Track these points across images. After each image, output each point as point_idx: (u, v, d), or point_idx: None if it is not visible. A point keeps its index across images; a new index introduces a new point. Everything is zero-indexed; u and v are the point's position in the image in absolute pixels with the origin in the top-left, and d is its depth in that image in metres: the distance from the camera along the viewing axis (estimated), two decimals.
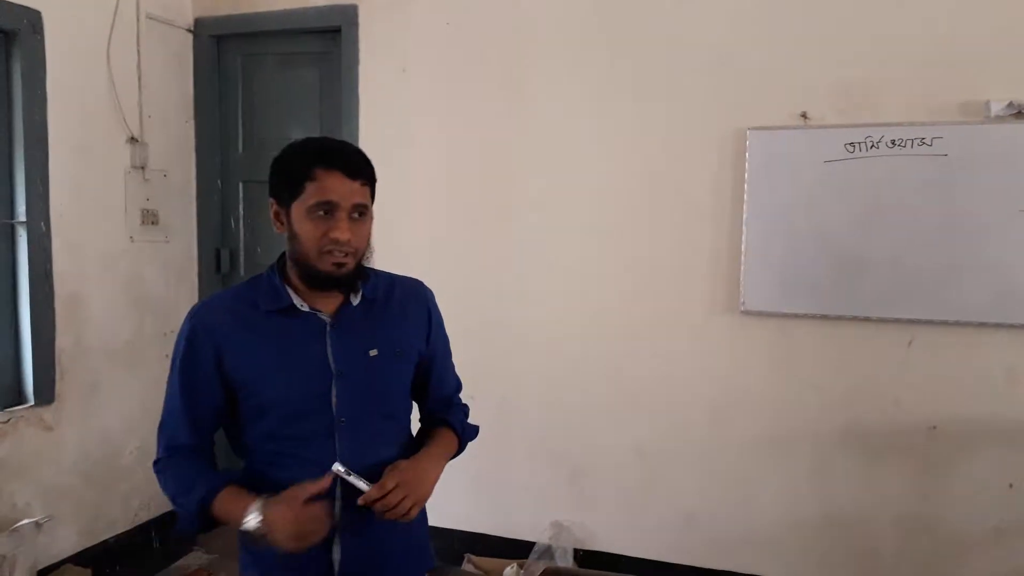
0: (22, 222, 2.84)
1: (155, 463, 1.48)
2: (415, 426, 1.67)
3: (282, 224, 1.45)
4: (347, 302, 1.50)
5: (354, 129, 3.36)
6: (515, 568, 2.99)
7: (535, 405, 3.19)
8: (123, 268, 3.27)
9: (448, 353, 1.72)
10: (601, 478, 3.13)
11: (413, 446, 1.58)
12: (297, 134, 3.49)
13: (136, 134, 3.28)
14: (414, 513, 1.40)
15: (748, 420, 2.95)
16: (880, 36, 2.72)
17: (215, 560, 3.56)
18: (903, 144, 2.69)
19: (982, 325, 2.66)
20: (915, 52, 2.69)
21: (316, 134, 3.45)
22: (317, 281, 1.43)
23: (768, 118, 2.83)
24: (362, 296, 1.51)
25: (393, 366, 1.54)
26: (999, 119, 2.60)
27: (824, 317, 2.82)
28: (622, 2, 3.00)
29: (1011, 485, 2.69)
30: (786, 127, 2.82)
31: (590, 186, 3.09)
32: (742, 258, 2.88)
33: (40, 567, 2.85)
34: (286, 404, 1.43)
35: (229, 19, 3.54)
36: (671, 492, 3.05)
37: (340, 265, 1.40)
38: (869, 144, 2.72)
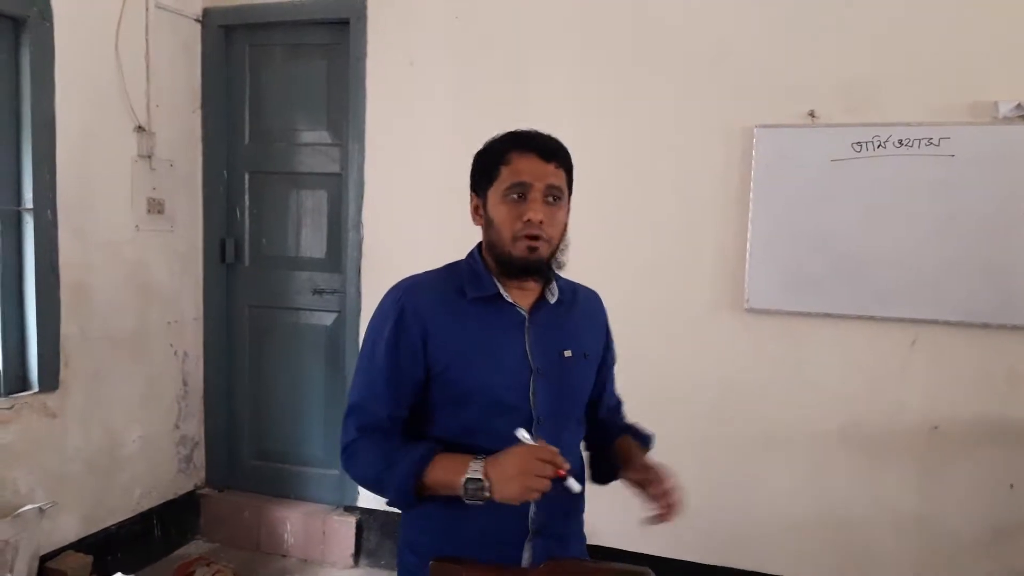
0: (29, 209, 2.85)
1: (347, 446, 1.44)
2: None
3: (480, 216, 1.48)
4: (543, 299, 1.50)
5: (361, 121, 3.36)
6: None
7: None
8: (128, 257, 3.27)
9: (614, 366, 1.72)
10: None
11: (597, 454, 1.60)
12: (304, 126, 3.55)
13: (143, 123, 3.28)
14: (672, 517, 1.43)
15: (750, 417, 2.95)
16: (889, 35, 2.72)
17: (216, 548, 3.58)
18: (910, 144, 2.69)
19: (985, 326, 2.66)
20: (924, 52, 2.69)
21: (323, 126, 3.52)
22: (511, 268, 1.43)
23: (775, 116, 2.83)
24: (557, 296, 1.51)
25: (582, 369, 1.54)
26: (1007, 120, 2.60)
27: (828, 315, 2.82)
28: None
29: (1012, 486, 2.70)
30: (793, 125, 2.81)
31: (596, 181, 3.08)
32: (747, 255, 2.88)
33: (42, 553, 2.86)
34: (488, 393, 1.41)
35: (238, 9, 3.54)
36: None
37: (533, 249, 1.39)
38: (876, 143, 2.72)
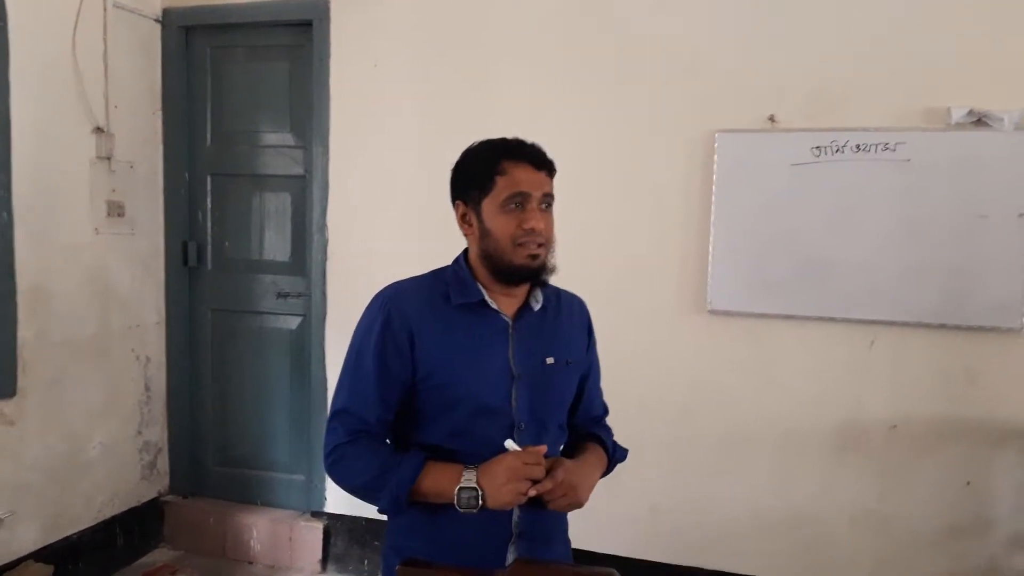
0: None
1: (333, 450, 1.45)
2: None
3: (470, 226, 1.49)
4: (527, 306, 1.53)
5: (325, 123, 3.34)
6: None
7: None
8: (88, 260, 3.21)
9: (599, 374, 1.74)
10: None
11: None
12: (267, 127, 3.52)
13: (102, 124, 3.22)
14: (569, 508, 1.43)
15: (714, 418, 2.99)
16: (847, 42, 2.77)
17: (181, 556, 3.54)
18: (868, 149, 2.74)
19: (942, 327, 2.72)
20: (881, 58, 2.74)
21: (286, 128, 3.49)
22: (511, 275, 1.46)
23: (737, 121, 2.87)
24: (541, 303, 1.54)
25: (565, 375, 1.56)
26: (959, 126, 2.66)
27: (790, 317, 2.87)
28: (593, 4, 3.01)
29: (968, 483, 2.76)
30: (754, 130, 2.85)
31: (560, 186, 3.09)
32: (709, 258, 2.91)
33: (1, 563, 2.81)
34: (472, 398, 1.44)
35: (198, 10, 3.49)
36: (636, 488, 3.09)
37: (535, 256, 1.44)
38: (835, 148, 2.77)
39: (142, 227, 3.50)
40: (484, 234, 1.46)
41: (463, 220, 1.51)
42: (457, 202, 1.52)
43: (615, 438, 1.71)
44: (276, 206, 3.56)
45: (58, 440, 3.10)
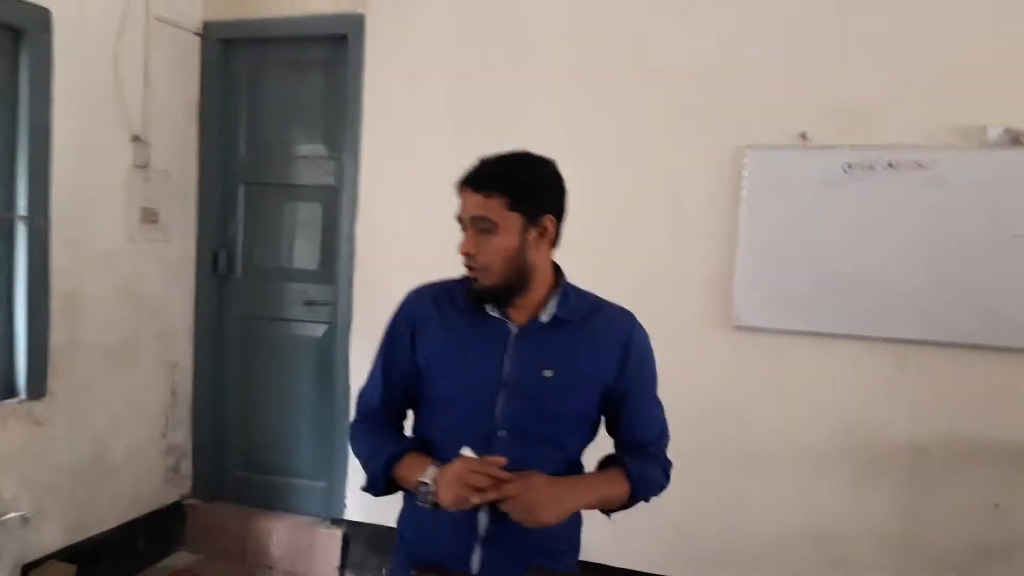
0: (23, 217, 2.85)
1: (350, 427, 1.63)
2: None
3: None
4: (536, 317, 1.51)
5: (357, 137, 3.39)
6: None
7: None
8: (121, 267, 3.27)
9: (650, 396, 1.65)
10: None
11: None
12: (300, 139, 3.57)
13: (140, 133, 3.29)
14: (529, 524, 1.37)
15: (738, 434, 2.96)
16: (880, 59, 2.76)
17: (201, 560, 3.55)
18: (900, 166, 2.72)
19: (972, 346, 2.68)
20: (915, 76, 2.72)
21: (319, 140, 3.55)
22: (469, 295, 1.51)
23: (767, 137, 2.86)
24: (554, 315, 1.51)
25: (567, 391, 1.50)
26: (995, 145, 2.63)
27: (817, 334, 2.84)
28: (624, 19, 3.03)
29: (996, 505, 2.70)
30: (785, 147, 2.84)
31: (589, 199, 3.09)
32: (736, 274, 2.90)
33: (25, 561, 2.84)
34: (460, 399, 1.51)
35: (237, 24, 3.57)
36: (659, 504, 3.03)
37: (473, 279, 1.48)
38: (867, 165, 2.75)
39: (175, 234, 3.56)
40: None
41: None
42: None
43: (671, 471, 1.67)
44: (306, 215, 3.61)
45: (85, 442, 3.14)
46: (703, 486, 3.00)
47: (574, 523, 1.60)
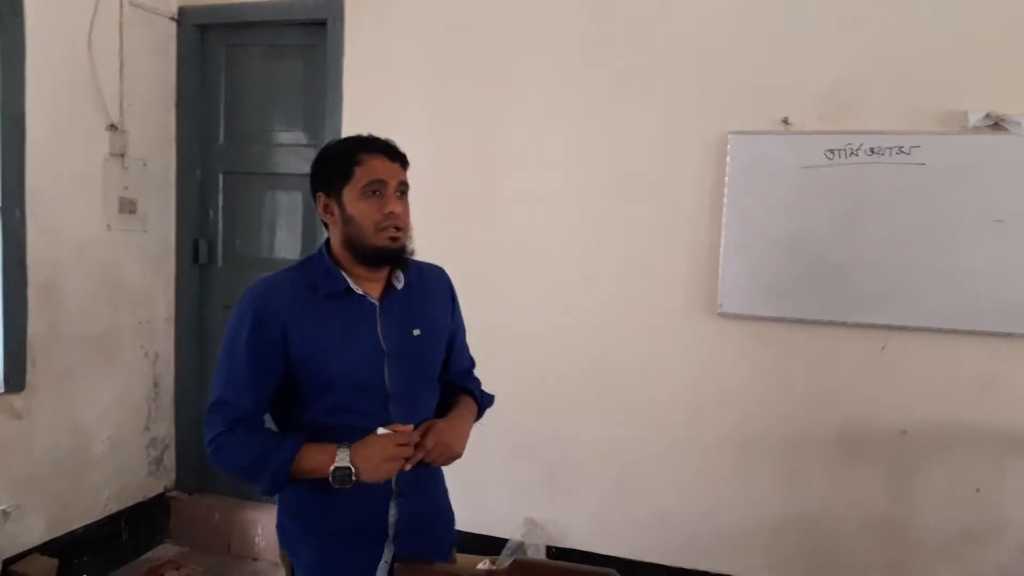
0: None
1: (212, 439, 1.55)
2: None
3: (332, 215, 1.60)
4: (390, 287, 1.65)
5: (337, 123, 3.34)
6: (487, 564, 2.99)
7: (512, 403, 3.17)
8: (99, 256, 3.23)
9: (464, 331, 1.89)
10: (577, 476, 3.13)
11: (438, 412, 1.73)
12: (280, 126, 3.53)
13: (116, 121, 3.24)
14: (450, 462, 1.61)
15: (723, 421, 2.97)
16: (863, 44, 2.75)
17: (186, 552, 3.54)
18: (882, 152, 2.72)
19: (954, 332, 2.69)
20: (897, 61, 2.72)
21: (299, 127, 3.51)
22: (375, 258, 1.58)
23: (750, 123, 2.85)
24: (404, 281, 1.66)
25: (432, 343, 1.70)
26: (976, 130, 2.63)
27: (800, 321, 2.85)
28: (606, 5, 3.01)
29: (978, 489, 2.73)
30: (767, 132, 2.84)
31: (572, 186, 3.10)
32: (720, 261, 2.90)
33: (6, 556, 2.82)
34: (348, 378, 1.56)
35: (214, 8, 3.51)
36: (645, 491, 3.07)
37: (395, 239, 1.57)
38: (849, 151, 2.75)
39: (154, 224, 3.51)
40: (346, 221, 1.57)
41: (325, 210, 1.62)
42: (319, 194, 1.63)
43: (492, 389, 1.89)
44: (287, 204, 3.57)
45: (66, 434, 3.11)
46: (688, 472, 3.02)
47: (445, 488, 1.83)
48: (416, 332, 1.65)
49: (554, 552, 3.11)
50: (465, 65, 3.19)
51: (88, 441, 3.22)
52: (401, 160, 1.62)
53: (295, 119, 3.52)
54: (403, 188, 1.61)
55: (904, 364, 2.77)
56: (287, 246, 3.58)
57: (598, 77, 3.04)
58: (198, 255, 3.64)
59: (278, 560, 3.45)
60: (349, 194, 1.57)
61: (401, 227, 1.58)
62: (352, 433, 1.52)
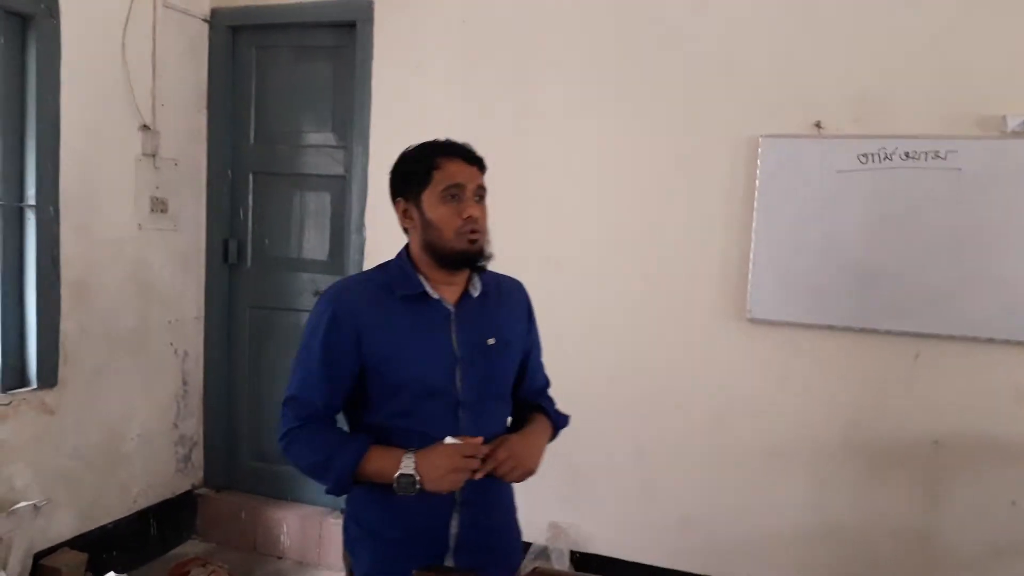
0: (31, 205, 2.85)
1: (285, 434, 1.58)
2: None
3: (411, 219, 1.60)
4: (466, 294, 1.65)
5: (365, 124, 3.36)
6: None
7: None
8: (130, 255, 3.27)
9: (540, 349, 1.88)
10: (601, 481, 3.12)
11: (510, 429, 1.72)
12: (309, 127, 3.55)
13: (148, 122, 3.28)
14: (522, 478, 1.58)
15: (750, 427, 2.93)
16: (897, 47, 2.71)
17: (212, 549, 3.57)
18: (917, 157, 2.67)
19: (990, 341, 2.63)
20: (932, 64, 2.67)
21: (328, 128, 3.53)
22: (454, 261, 1.58)
23: (782, 126, 2.82)
24: (481, 290, 1.66)
25: (505, 354, 1.69)
26: (1015, 134, 2.58)
27: (831, 327, 2.80)
28: (637, 7, 2.99)
29: (1014, 503, 2.67)
30: (799, 135, 2.80)
31: (600, 189, 3.08)
32: (750, 266, 2.86)
33: (37, 550, 2.85)
34: (419, 383, 1.56)
35: (246, 10, 3.54)
36: (670, 497, 3.04)
37: (474, 242, 1.56)
38: (883, 155, 2.71)
39: (184, 224, 3.55)
40: (426, 225, 1.57)
41: (404, 216, 1.63)
42: (398, 200, 1.64)
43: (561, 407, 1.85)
44: (316, 205, 3.59)
45: (96, 431, 3.15)
46: (715, 480, 2.99)
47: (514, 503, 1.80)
48: (490, 341, 1.63)
49: (578, 557, 3.10)
50: (494, 68, 3.18)
51: (118, 438, 3.26)
52: (479, 164, 1.62)
53: (324, 120, 3.54)
54: (481, 192, 1.60)
55: (938, 373, 2.71)
56: (315, 247, 3.60)
57: (627, 80, 3.01)
58: (228, 255, 3.67)
59: (302, 559, 3.49)
60: (428, 199, 1.57)
61: (479, 230, 1.57)
62: (420, 438, 1.51)
